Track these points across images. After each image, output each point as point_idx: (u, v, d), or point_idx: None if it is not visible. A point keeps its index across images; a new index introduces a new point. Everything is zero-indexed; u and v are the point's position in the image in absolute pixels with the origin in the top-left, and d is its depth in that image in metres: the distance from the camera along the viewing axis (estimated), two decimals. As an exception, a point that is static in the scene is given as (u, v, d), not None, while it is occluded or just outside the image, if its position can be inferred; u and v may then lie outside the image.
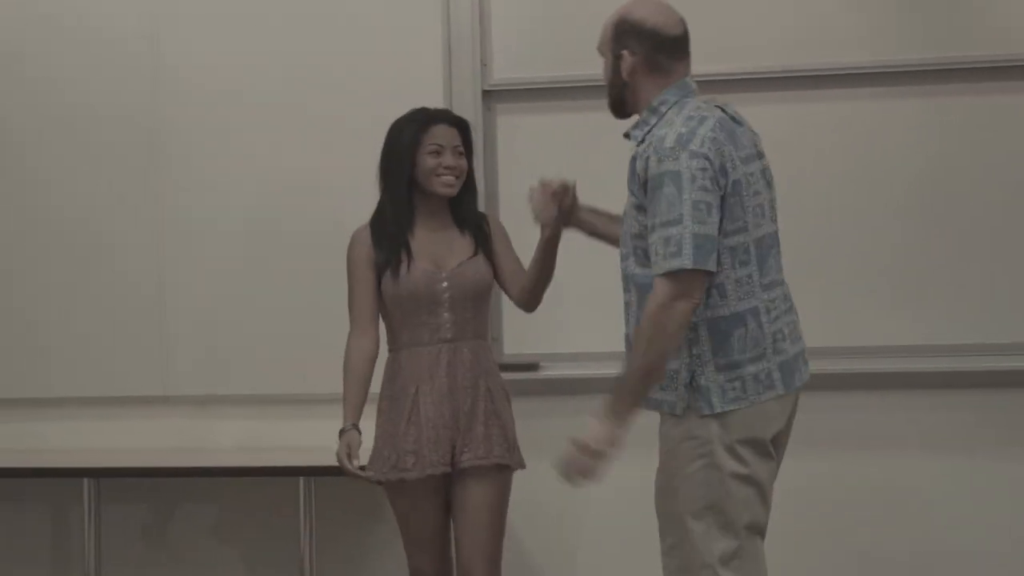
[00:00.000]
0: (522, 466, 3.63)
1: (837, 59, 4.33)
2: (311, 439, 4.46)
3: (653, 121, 3.12)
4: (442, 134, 3.57)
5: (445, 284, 3.55)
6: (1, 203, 4.73)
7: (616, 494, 4.28)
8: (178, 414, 4.63)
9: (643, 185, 3.03)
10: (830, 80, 4.35)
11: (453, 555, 3.68)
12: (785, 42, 4.35)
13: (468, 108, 4.35)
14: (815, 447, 4.31)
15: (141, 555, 4.71)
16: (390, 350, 3.66)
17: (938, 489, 4.34)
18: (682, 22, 3.18)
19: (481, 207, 4.12)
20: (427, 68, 4.46)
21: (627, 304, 3.15)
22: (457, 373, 3.54)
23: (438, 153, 3.55)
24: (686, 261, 2.92)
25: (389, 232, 3.57)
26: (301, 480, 4.23)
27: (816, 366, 4.17)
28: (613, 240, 3.41)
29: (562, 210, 3.46)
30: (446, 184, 3.57)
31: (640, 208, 3.06)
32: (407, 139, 3.56)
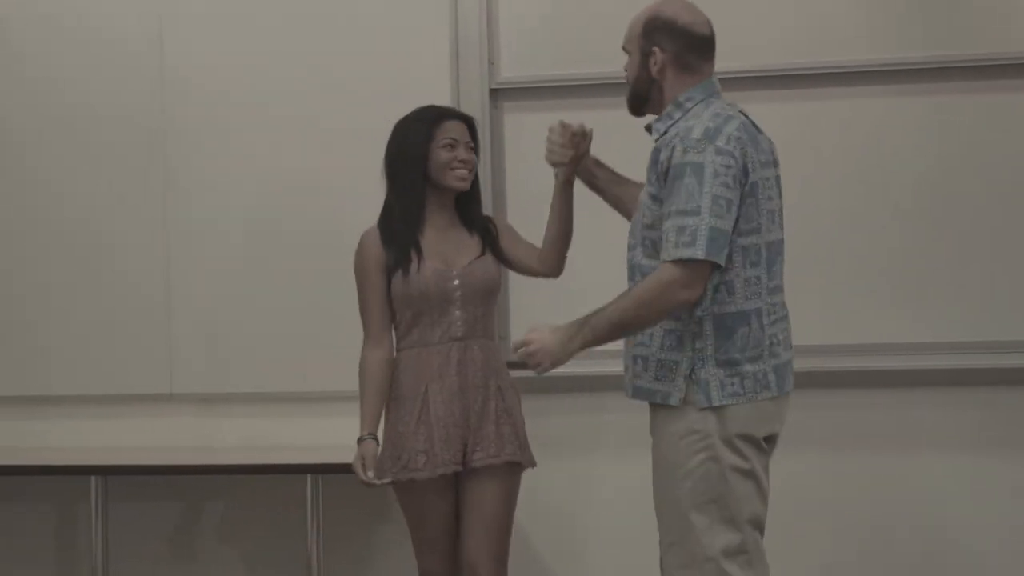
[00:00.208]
0: (533, 464, 3.63)
1: (839, 58, 4.33)
2: (318, 437, 4.48)
3: (677, 116, 3.16)
4: (454, 128, 3.58)
5: (456, 282, 3.55)
6: (4, 203, 4.74)
7: (621, 493, 4.31)
8: (184, 412, 4.63)
9: (664, 175, 3.05)
10: (832, 79, 4.34)
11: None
12: (787, 41, 4.35)
13: (475, 106, 4.35)
14: (816, 444, 4.33)
15: (148, 553, 4.71)
16: (398, 350, 3.63)
17: (941, 487, 4.34)
18: (709, 23, 3.23)
19: (488, 205, 4.13)
20: (434, 66, 4.46)
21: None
22: (468, 372, 3.54)
23: (452, 147, 3.55)
24: (698, 252, 2.95)
25: (399, 231, 3.56)
26: (308, 478, 4.24)
27: (818, 364, 4.23)
28: (611, 199, 3.51)
29: (576, 154, 3.48)
30: (460, 178, 3.57)
31: (655, 199, 3.09)
32: (419, 134, 3.56)
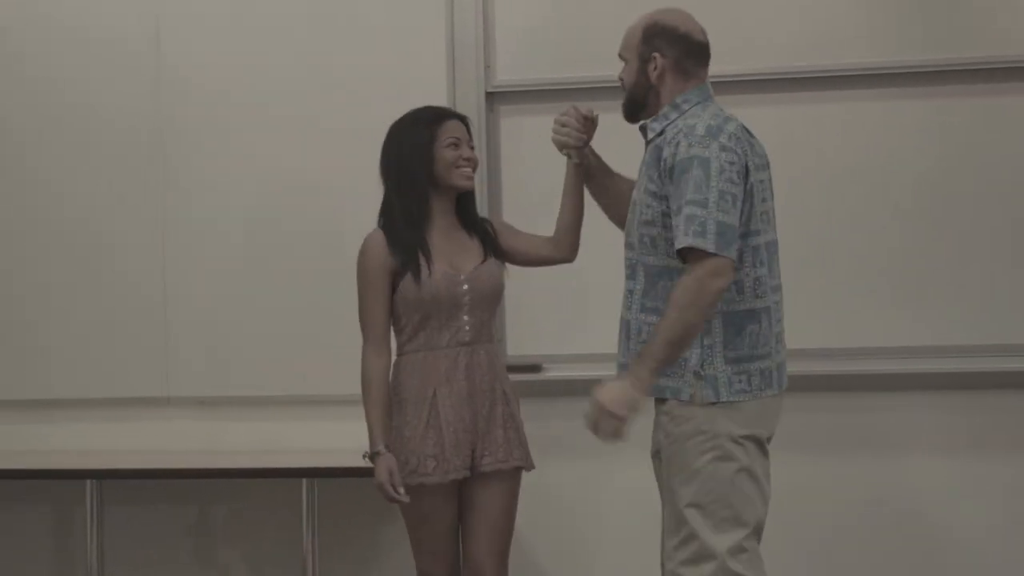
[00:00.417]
0: (532, 467, 3.62)
1: (838, 61, 4.33)
2: (315, 440, 4.48)
3: (673, 116, 3.22)
4: (456, 127, 3.57)
5: (466, 287, 3.51)
6: (2, 203, 4.74)
7: (622, 496, 4.31)
8: (181, 415, 4.63)
9: (668, 171, 3.09)
10: (831, 81, 4.35)
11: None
12: (786, 44, 4.36)
13: (471, 110, 4.35)
14: (815, 449, 4.33)
15: (144, 557, 4.71)
16: (400, 353, 3.58)
17: (940, 490, 4.34)
18: (705, 32, 3.31)
19: (484, 208, 4.14)
20: (430, 70, 4.46)
21: (630, 291, 3.23)
22: (476, 376, 3.52)
23: (456, 146, 3.53)
24: (709, 245, 2.99)
25: (406, 234, 3.51)
26: (304, 482, 4.23)
27: (817, 367, 4.24)
28: (598, 187, 3.54)
29: (588, 138, 3.52)
30: (467, 176, 3.54)
31: (656, 195, 3.14)
32: (421, 136, 3.53)
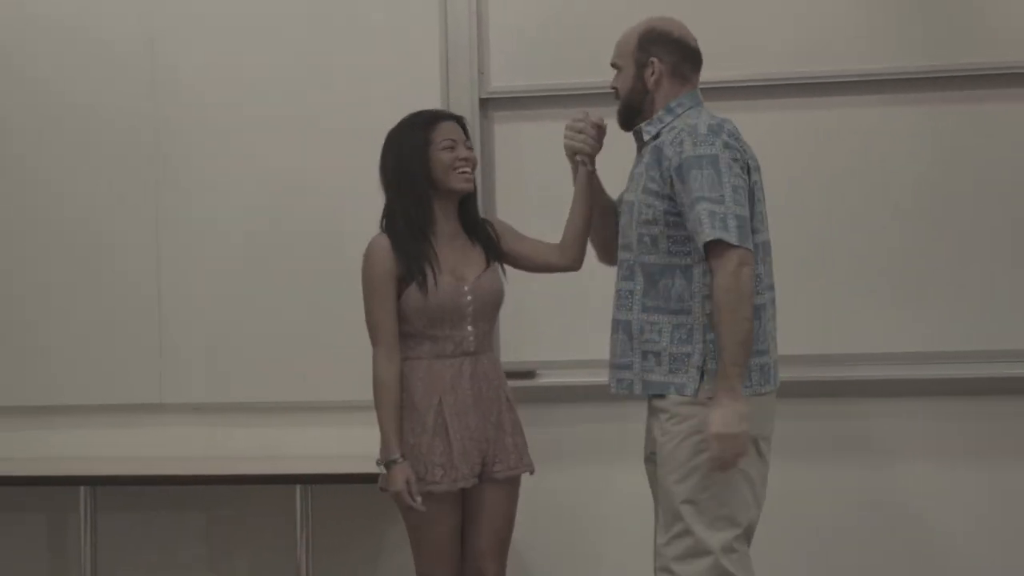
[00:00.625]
0: (534, 469, 3.62)
1: (836, 67, 4.34)
2: (309, 447, 4.48)
3: (668, 119, 3.27)
4: (450, 129, 3.53)
5: (469, 298, 3.50)
6: (2, 205, 4.73)
7: (617, 499, 4.31)
8: (175, 422, 4.62)
9: (675, 170, 3.14)
10: (829, 87, 4.36)
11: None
12: (784, 50, 4.37)
13: (465, 116, 4.31)
14: (814, 453, 4.33)
15: (138, 563, 4.70)
16: (404, 358, 3.53)
17: (938, 496, 4.34)
18: (695, 39, 3.38)
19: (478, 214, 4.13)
20: (425, 76, 4.46)
21: (628, 292, 3.27)
22: (481, 385, 3.51)
23: (452, 147, 3.49)
24: (732, 238, 3.06)
25: (410, 242, 3.47)
26: (298, 488, 4.23)
27: (815, 373, 4.24)
28: (587, 198, 3.53)
29: (599, 144, 3.53)
30: (466, 179, 3.50)
31: (658, 195, 3.19)
32: (417, 140, 3.50)
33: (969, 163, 4.31)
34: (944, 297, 4.31)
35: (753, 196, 3.20)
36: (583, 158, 3.50)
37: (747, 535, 3.22)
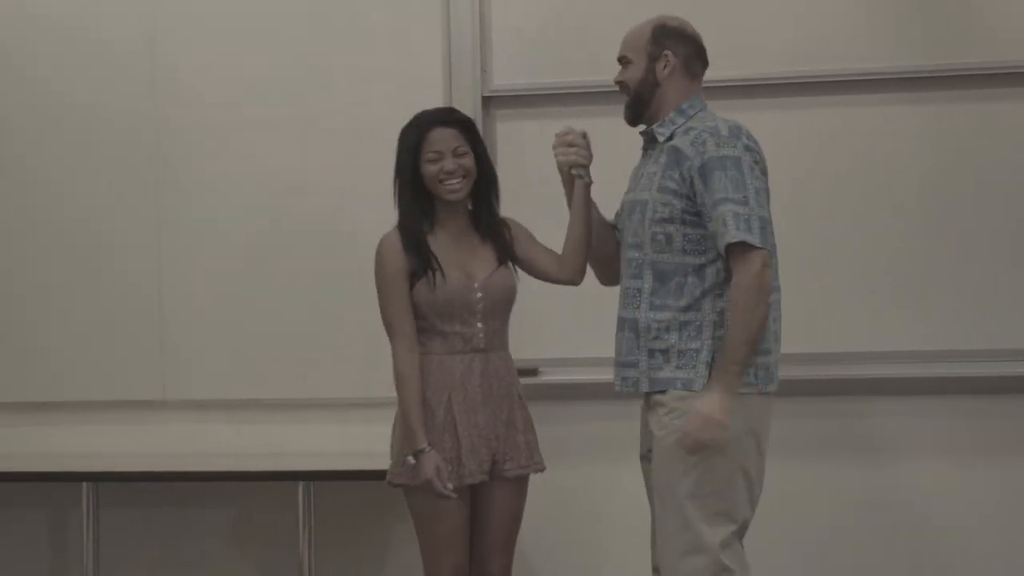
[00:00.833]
0: (544, 467, 3.62)
1: (838, 66, 4.34)
2: (311, 444, 4.49)
3: (680, 121, 3.30)
4: (439, 138, 3.49)
5: (479, 295, 3.50)
6: (1, 202, 4.73)
7: (619, 496, 4.30)
8: (177, 418, 4.63)
9: (697, 169, 3.16)
10: (831, 87, 4.36)
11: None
12: (787, 50, 4.37)
13: (468, 114, 4.33)
14: (815, 452, 4.34)
15: (140, 559, 4.71)
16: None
17: (940, 495, 4.35)
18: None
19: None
20: (427, 74, 4.46)
21: (636, 290, 3.28)
22: (492, 383, 3.51)
23: (436, 160, 3.47)
24: (756, 239, 3.11)
25: (416, 240, 3.49)
26: (300, 485, 4.23)
27: (818, 371, 4.25)
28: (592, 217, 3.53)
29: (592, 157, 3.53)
30: (451, 190, 3.48)
31: (677, 193, 3.21)
32: (411, 146, 3.49)
33: (972, 162, 4.32)
34: (947, 295, 4.32)
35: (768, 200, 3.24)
36: (580, 171, 3.47)
37: (741, 532, 3.24)
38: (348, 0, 4.55)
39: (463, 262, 3.52)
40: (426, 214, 3.52)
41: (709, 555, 3.15)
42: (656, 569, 3.41)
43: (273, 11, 4.60)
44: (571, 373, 4.40)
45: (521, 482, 3.57)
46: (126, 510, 4.67)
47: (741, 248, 3.11)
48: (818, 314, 4.29)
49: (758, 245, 3.10)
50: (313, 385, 4.52)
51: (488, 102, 4.49)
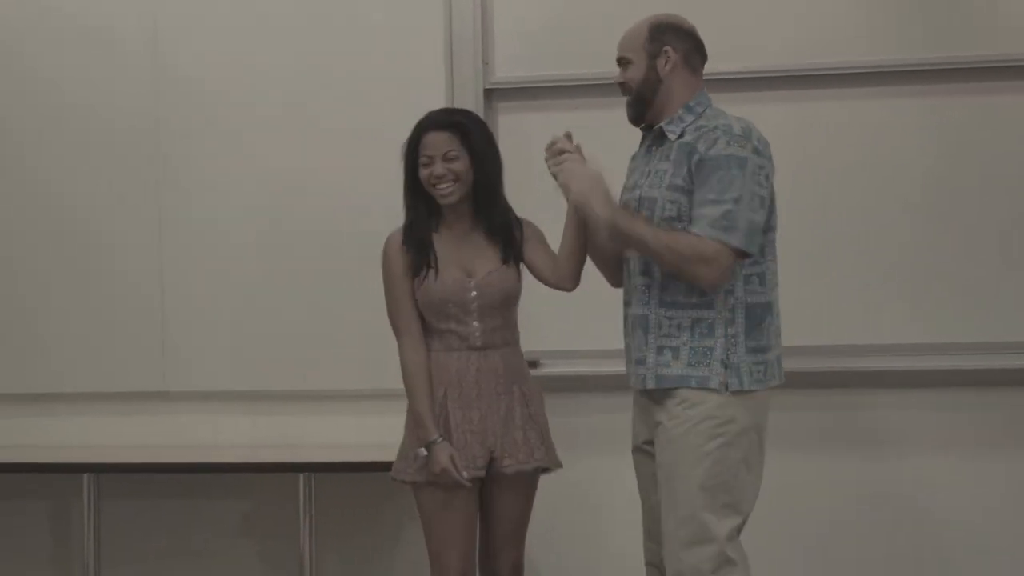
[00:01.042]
0: (559, 465, 3.62)
1: (841, 59, 4.34)
2: (312, 435, 4.49)
3: (689, 119, 3.29)
4: (431, 143, 3.49)
5: (474, 294, 3.50)
6: (2, 201, 4.74)
7: (621, 488, 4.27)
8: (178, 410, 4.64)
9: (699, 162, 3.17)
10: (834, 79, 4.36)
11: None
12: (789, 42, 4.37)
13: (470, 107, 4.32)
14: (817, 445, 4.35)
15: (141, 550, 4.71)
16: None
17: (943, 488, 4.35)
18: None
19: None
20: (429, 67, 4.46)
21: (647, 287, 3.29)
22: (488, 380, 3.51)
23: (428, 164, 3.49)
24: (734, 240, 3.13)
25: (417, 238, 3.53)
26: (301, 476, 4.24)
27: (820, 364, 4.26)
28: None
29: None
30: (441, 194, 3.50)
31: (684, 191, 3.22)
32: (409, 150, 3.53)
33: (974, 156, 4.32)
34: (949, 288, 4.32)
35: (774, 195, 3.25)
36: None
37: (742, 525, 3.26)
38: (350, -6, 4.56)
39: (465, 261, 3.53)
40: (432, 214, 3.55)
41: (715, 546, 3.16)
42: (649, 563, 3.43)
43: (273, 7, 4.59)
44: (572, 365, 4.41)
45: (523, 478, 3.56)
46: (127, 501, 4.68)
47: (715, 244, 3.12)
48: (820, 307, 4.30)
49: (735, 245, 3.12)
50: (315, 376, 4.52)
51: (490, 95, 4.50)
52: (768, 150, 3.23)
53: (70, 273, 4.69)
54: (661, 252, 3.17)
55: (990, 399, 4.31)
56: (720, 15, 4.21)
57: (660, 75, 3.31)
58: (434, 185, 3.49)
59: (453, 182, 3.49)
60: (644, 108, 3.35)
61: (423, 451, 3.44)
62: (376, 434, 4.21)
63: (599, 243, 3.46)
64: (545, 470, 3.59)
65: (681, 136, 3.26)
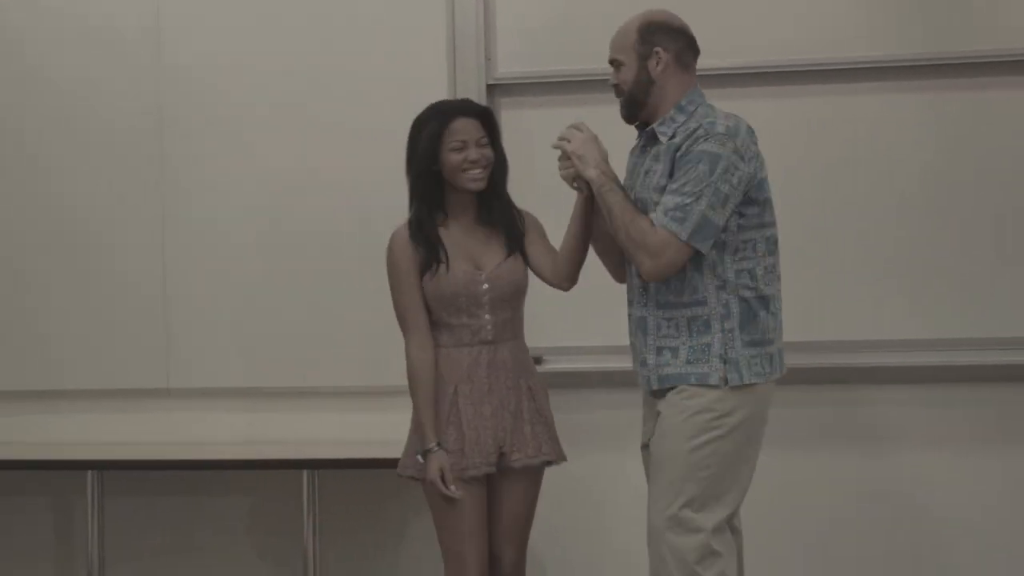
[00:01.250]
0: (564, 459, 3.61)
1: (840, 54, 4.34)
2: (315, 432, 4.49)
3: (681, 119, 3.28)
4: (463, 128, 3.48)
5: (486, 286, 3.49)
6: (6, 198, 4.74)
7: (625, 484, 4.30)
8: (182, 407, 4.64)
9: (680, 158, 3.18)
10: (832, 75, 4.36)
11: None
12: (787, 38, 4.36)
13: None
14: (814, 441, 4.35)
15: (145, 547, 4.71)
16: None
17: (940, 484, 4.35)
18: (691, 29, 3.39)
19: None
20: (431, 63, 4.46)
21: (643, 287, 3.30)
22: (499, 374, 3.49)
23: (461, 149, 3.46)
24: (683, 233, 3.12)
25: (424, 231, 3.48)
26: (305, 473, 4.24)
27: (816, 360, 4.25)
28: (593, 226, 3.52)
29: None
30: (474, 179, 3.48)
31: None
32: (431, 135, 3.46)
33: (972, 151, 4.32)
34: (946, 283, 4.32)
35: (765, 190, 3.24)
36: (580, 183, 3.41)
37: (731, 517, 3.27)
38: (351, -11, 4.55)
39: (474, 253, 3.51)
40: (439, 205, 3.51)
41: (700, 536, 3.17)
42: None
43: (276, 6, 4.59)
44: (576, 361, 4.40)
45: (530, 473, 3.56)
46: (130, 498, 4.68)
47: (666, 235, 3.13)
48: (816, 302, 4.29)
49: (683, 238, 3.12)
50: (316, 374, 4.52)
51: (492, 90, 4.49)
52: (754, 150, 3.20)
53: (73, 271, 4.69)
54: (619, 229, 3.22)
55: (987, 395, 4.31)
56: (718, 11, 4.21)
57: (652, 76, 3.29)
58: (465, 171, 3.47)
59: (484, 168, 3.49)
60: (637, 109, 3.34)
61: (420, 458, 3.44)
62: (379, 431, 4.21)
63: (604, 232, 3.45)
64: (549, 463, 3.59)
65: (672, 137, 3.25)
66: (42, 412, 4.72)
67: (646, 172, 3.32)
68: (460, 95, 4.34)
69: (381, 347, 4.29)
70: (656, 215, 3.16)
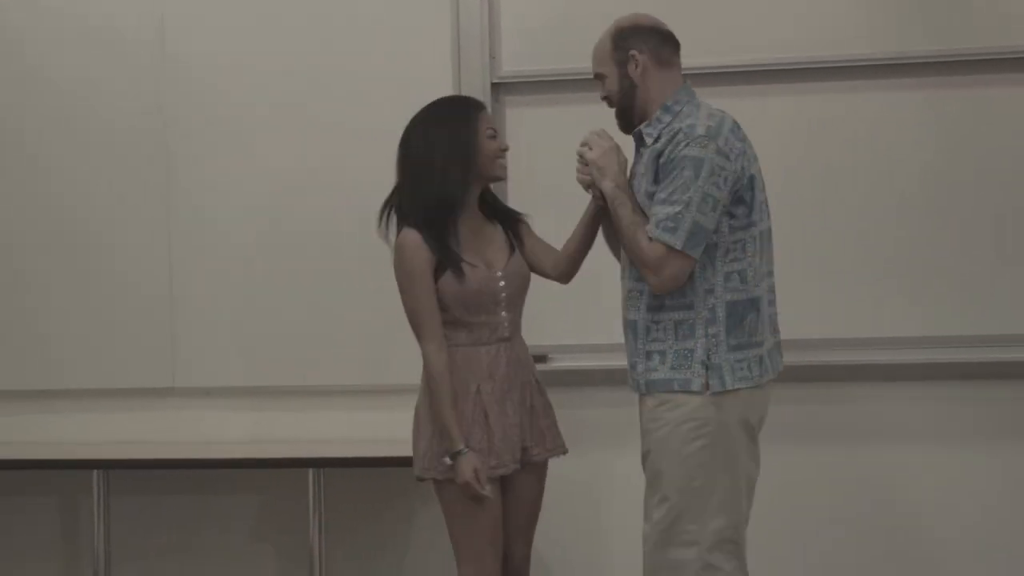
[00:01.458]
0: (566, 451, 3.62)
1: (839, 52, 4.34)
2: (321, 431, 4.50)
3: (667, 119, 3.26)
4: (491, 118, 3.57)
5: (503, 283, 3.48)
6: (10, 197, 4.75)
7: (628, 483, 4.29)
8: (187, 405, 4.64)
9: (663, 165, 3.15)
10: (832, 73, 4.36)
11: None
12: (787, 36, 4.36)
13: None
14: (813, 439, 4.35)
15: (150, 546, 4.72)
16: None
17: (938, 481, 4.35)
18: (666, 25, 3.38)
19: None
20: (436, 61, 4.46)
21: (638, 292, 3.28)
22: (518, 371, 3.50)
23: (495, 136, 3.49)
24: (677, 242, 3.11)
25: (442, 230, 3.42)
26: (311, 472, 4.24)
27: (814, 357, 4.25)
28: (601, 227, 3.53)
29: None
30: (503, 166, 3.51)
31: (654, 196, 3.20)
32: (466, 126, 3.44)
33: (970, 148, 4.31)
34: (943, 281, 4.32)
35: (754, 188, 3.21)
36: (595, 192, 3.39)
37: (739, 524, 3.22)
38: (356, -14, 4.56)
39: (482, 251, 3.51)
40: (460, 203, 3.46)
41: (695, 550, 3.15)
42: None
43: (279, 6, 4.59)
44: (580, 360, 4.41)
45: (543, 467, 3.58)
46: (136, 497, 4.68)
47: (661, 247, 3.13)
48: (817, 301, 4.29)
49: (678, 247, 3.11)
50: (322, 372, 4.52)
51: (497, 89, 4.49)
52: (739, 148, 3.17)
53: (77, 271, 4.69)
54: (627, 244, 3.23)
55: (986, 392, 4.31)
56: (719, 10, 4.21)
57: (634, 80, 3.29)
58: (498, 158, 3.49)
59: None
60: (630, 116, 3.33)
61: (448, 460, 3.39)
62: (385, 429, 4.22)
63: (614, 241, 3.47)
64: (563, 453, 3.61)
65: (656, 140, 3.24)
66: (48, 412, 4.72)
67: (636, 176, 3.32)
68: (465, 93, 4.35)
69: (382, 346, 4.30)
70: (650, 228, 3.15)
